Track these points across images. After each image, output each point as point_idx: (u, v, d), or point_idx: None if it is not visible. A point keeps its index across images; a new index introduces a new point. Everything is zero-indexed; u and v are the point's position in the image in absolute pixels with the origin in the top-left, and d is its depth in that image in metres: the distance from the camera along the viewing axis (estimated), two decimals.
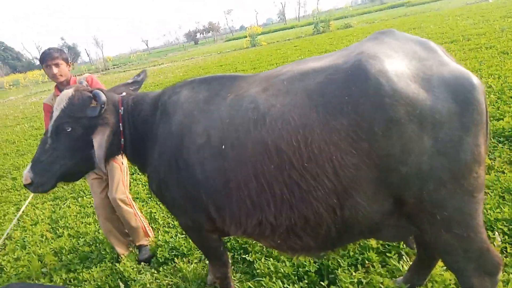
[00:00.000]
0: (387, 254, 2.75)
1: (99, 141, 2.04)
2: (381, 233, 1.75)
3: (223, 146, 1.78)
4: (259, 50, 24.64)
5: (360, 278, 2.58)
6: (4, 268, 3.54)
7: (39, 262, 3.44)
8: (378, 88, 1.45)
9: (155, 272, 3.05)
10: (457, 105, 1.42)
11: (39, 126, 11.54)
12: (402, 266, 2.61)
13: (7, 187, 6.05)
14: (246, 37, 33.16)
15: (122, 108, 2.24)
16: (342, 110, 1.51)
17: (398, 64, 1.51)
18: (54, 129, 2.11)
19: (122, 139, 2.25)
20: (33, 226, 4.35)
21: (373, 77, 1.46)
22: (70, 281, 3.13)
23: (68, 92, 2.13)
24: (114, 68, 43.50)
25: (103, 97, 2.09)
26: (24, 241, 3.99)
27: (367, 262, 2.75)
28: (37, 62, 77.11)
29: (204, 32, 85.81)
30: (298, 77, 1.70)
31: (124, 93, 2.35)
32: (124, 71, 34.50)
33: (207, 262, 3.05)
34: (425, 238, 1.63)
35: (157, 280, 2.93)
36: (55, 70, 3.10)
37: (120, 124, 2.22)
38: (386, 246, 2.87)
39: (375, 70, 1.48)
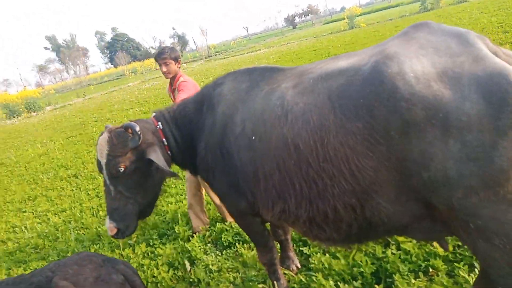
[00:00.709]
0: (456, 263, 2.50)
1: (155, 155, 2.14)
2: (413, 233, 1.66)
3: (253, 138, 1.87)
4: (357, 32, 23.50)
5: (420, 287, 2.42)
6: (102, 237, 4.18)
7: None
8: (393, 91, 1.37)
9: (219, 254, 3.27)
10: (490, 106, 1.25)
11: (147, 110, 12.94)
12: (473, 279, 2.35)
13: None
14: (344, 19, 31.86)
15: (159, 123, 2.39)
16: (357, 113, 1.47)
17: (420, 64, 1.38)
18: (110, 176, 2.17)
19: (169, 152, 2.39)
20: None
21: (388, 80, 1.39)
22: (147, 254, 3.55)
23: (104, 137, 2.20)
24: (216, 55, 46.03)
25: (135, 124, 2.18)
26: None
27: (431, 270, 2.54)
28: (153, 51, 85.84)
29: (303, 16, 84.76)
30: (324, 77, 1.68)
31: (153, 113, 2.52)
32: (224, 58, 36.33)
33: None
34: (467, 247, 1.50)
35: (219, 262, 3.14)
36: (164, 68, 3.67)
37: (163, 139, 2.35)
38: (457, 255, 2.61)
39: (391, 72, 1.39)
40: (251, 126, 1.92)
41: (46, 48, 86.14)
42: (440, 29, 1.52)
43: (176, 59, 3.71)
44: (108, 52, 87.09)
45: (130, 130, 2.17)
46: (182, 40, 78.94)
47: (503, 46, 7.99)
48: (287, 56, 19.30)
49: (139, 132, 2.16)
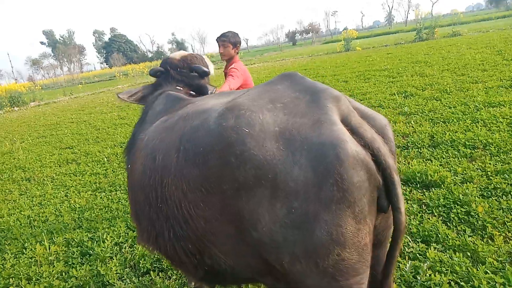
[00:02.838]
0: None
1: None
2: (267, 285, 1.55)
3: (129, 165, 1.93)
4: (350, 55, 23.67)
5: None
6: (25, 250, 3.94)
7: None
8: (226, 145, 1.26)
9: (135, 281, 3.07)
10: (316, 176, 1.15)
11: (125, 116, 12.72)
12: None
13: (70, 171, 6.77)
14: (341, 40, 32.17)
15: None
16: (195, 160, 1.37)
17: (261, 120, 1.25)
18: None
19: None
20: None
21: (223, 133, 1.28)
22: (62, 274, 3.33)
23: None
24: (214, 64, 46.04)
25: None
26: None
27: None
28: (150, 55, 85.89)
29: (304, 33, 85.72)
30: (188, 115, 1.59)
31: None
32: (218, 68, 36.34)
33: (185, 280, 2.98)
34: None
35: None
36: (221, 49, 4.04)
37: None
38: None
39: (227, 125, 1.28)
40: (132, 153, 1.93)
41: (42, 43, 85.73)
42: (300, 82, 1.40)
43: (235, 44, 4.02)
44: (104, 52, 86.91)
45: None
46: (180, 47, 79.17)
47: (478, 84, 8.01)
48: (278, 73, 19.31)
49: None
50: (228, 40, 3.94)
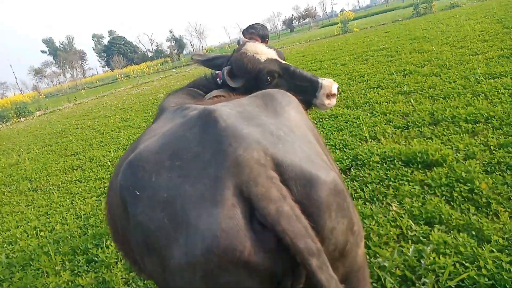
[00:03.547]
0: None
1: None
2: None
3: None
4: (348, 37, 23.34)
5: None
6: (32, 261, 3.98)
7: None
8: (122, 204, 1.22)
9: (142, 285, 3.08)
10: (187, 264, 1.05)
11: (128, 117, 12.76)
12: None
13: (75, 178, 6.81)
14: (338, 23, 31.72)
15: None
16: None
17: (154, 183, 1.15)
18: None
19: None
20: None
21: (120, 193, 1.22)
22: (69, 283, 3.36)
23: None
24: None
25: None
26: None
27: None
28: (150, 54, 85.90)
29: (300, 19, 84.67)
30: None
31: None
32: None
33: None
34: None
35: None
36: None
37: None
38: None
39: (124, 185, 1.20)
40: None
41: (43, 52, 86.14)
42: (211, 129, 1.14)
43: (263, 38, 3.60)
44: (105, 55, 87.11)
45: None
46: (179, 43, 78.91)
47: (478, 56, 7.83)
48: None
49: None
50: (257, 33, 3.56)
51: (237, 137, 1.06)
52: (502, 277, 2.23)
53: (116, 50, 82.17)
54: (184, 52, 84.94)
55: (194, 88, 2.43)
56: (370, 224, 3.11)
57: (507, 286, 2.18)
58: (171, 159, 1.14)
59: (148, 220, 1.07)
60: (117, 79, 44.81)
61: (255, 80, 2.27)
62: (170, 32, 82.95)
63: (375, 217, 3.19)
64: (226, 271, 0.95)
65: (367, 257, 2.76)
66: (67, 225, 4.64)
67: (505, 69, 6.23)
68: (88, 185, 6.14)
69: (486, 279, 2.25)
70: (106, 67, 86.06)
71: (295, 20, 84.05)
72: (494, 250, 2.49)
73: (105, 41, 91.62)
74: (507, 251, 2.45)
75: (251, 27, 3.66)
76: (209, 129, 1.14)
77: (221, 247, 0.93)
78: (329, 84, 2.25)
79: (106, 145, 9.10)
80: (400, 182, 3.68)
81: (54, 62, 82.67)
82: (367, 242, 2.93)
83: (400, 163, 4.05)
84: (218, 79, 2.37)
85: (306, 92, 2.28)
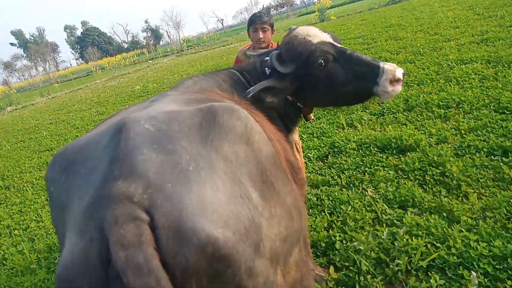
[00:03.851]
0: None
1: None
2: None
3: None
4: (325, 25, 23.36)
5: None
6: (6, 261, 3.87)
7: None
8: None
9: None
10: None
11: (104, 111, 12.48)
12: None
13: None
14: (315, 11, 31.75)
15: None
16: None
17: (60, 186, 1.18)
18: None
19: None
20: None
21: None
22: (46, 281, 3.29)
23: None
24: (188, 49, 45.22)
25: None
26: None
27: None
28: (126, 46, 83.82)
29: (278, 8, 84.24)
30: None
31: None
32: (196, 52, 35.69)
33: None
34: None
35: None
36: (260, 34, 3.25)
37: None
38: None
39: (47, 179, 1.29)
40: None
41: (12, 44, 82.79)
42: (113, 146, 1.08)
43: (272, 27, 3.35)
44: (78, 47, 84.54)
45: None
46: (155, 34, 77.33)
47: (450, 42, 8.01)
48: None
49: None
50: (269, 23, 3.27)
51: (126, 164, 0.96)
52: (470, 255, 2.32)
53: (90, 42, 79.79)
54: (161, 42, 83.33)
55: (238, 72, 2.24)
56: (347, 210, 3.17)
57: (474, 263, 2.27)
58: (80, 164, 1.09)
59: (53, 215, 1.15)
60: (92, 71, 43.55)
61: (306, 65, 2.04)
62: (146, 22, 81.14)
63: (352, 203, 3.25)
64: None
65: (344, 241, 2.82)
66: (42, 222, 4.53)
67: (476, 55, 6.40)
68: None
69: (455, 258, 2.35)
70: (80, 59, 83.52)
71: (272, 9, 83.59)
72: (463, 230, 2.58)
73: (78, 32, 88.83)
74: (474, 230, 2.55)
75: (260, 16, 3.28)
76: (112, 144, 1.05)
77: (63, 279, 0.90)
78: (392, 69, 1.99)
79: None
80: (376, 167, 3.76)
81: (25, 55, 79.63)
82: (343, 227, 2.99)
83: (375, 149, 4.13)
84: (267, 68, 2.21)
85: (365, 79, 2.05)
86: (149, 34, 77.48)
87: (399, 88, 2.03)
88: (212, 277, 0.90)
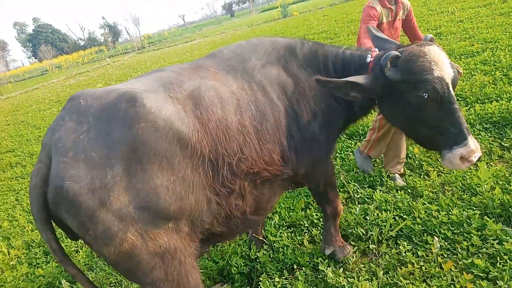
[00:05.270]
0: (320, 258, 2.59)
1: None
2: None
3: None
4: (288, 21, 23.83)
5: (284, 284, 2.49)
6: None
7: None
8: None
9: (105, 269, 3.11)
10: None
11: None
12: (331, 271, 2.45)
13: (16, 174, 6.44)
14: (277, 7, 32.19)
15: None
16: None
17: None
18: None
19: None
20: None
21: None
22: (28, 275, 3.28)
23: None
24: (149, 46, 44.26)
25: None
26: None
27: (295, 266, 2.63)
28: (82, 43, 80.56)
29: (240, 3, 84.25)
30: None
31: None
32: (158, 49, 35.05)
33: None
34: None
35: (102, 279, 2.99)
36: None
37: None
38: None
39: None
40: None
41: None
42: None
43: None
44: (30, 45, 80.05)
45: None
46: (114, 30, 74.84)
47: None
48: (221, 46, 19.04)
49: None
50: None
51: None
52: (432, 223, 2.62)
53: (43, 39, 75.86)
54: (120, 39, 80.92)
55: (332, 51, 2.27)
56: None
57: (436, 229, 2.58)
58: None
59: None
60: (47, 70, 41.61)
61: (411, 85, 1.92)
62: (103, 18, 78.45)
63: None
64: None
65: (321, 220, 3.04)
66: (16, 221, 4.44)
67: None
68: None
69: (420, 226, 2.64)
70: (33, 58, 79.28)
71: (234, 5, 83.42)
72: (426, 202, 2.89)
73: (30, 29, 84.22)
74: (435, 202, 2.86)
75: None
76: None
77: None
78: (473, 149, 1.86)
79: None
80: (346, 153, 4.04)
81: None
82: (319, 207, 3.22)
83: (345, 136, 4.41)
84: (370, 57, 2.14)
85: (445, 137, 1.93)
86: (107, 31, 74.90)
87: (463, 166, 1.92)
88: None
